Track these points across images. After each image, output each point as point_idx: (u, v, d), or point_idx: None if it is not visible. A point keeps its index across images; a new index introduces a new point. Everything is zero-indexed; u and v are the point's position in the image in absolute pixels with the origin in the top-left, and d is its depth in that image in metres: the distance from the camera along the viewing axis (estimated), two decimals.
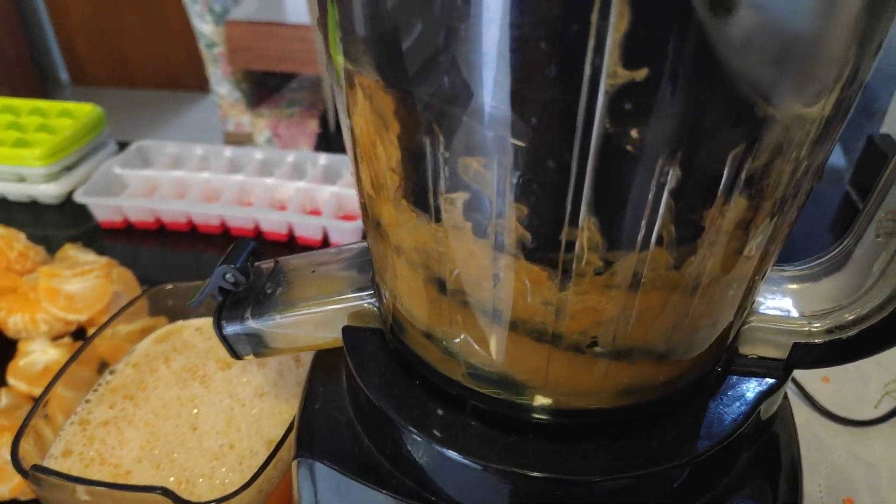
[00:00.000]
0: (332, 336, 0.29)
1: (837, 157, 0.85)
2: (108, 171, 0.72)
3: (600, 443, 0.24)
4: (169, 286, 0.44)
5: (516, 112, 0.16)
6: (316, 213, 0.69)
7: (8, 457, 0.34)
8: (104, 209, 0.69)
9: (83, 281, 0.52)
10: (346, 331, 0.29)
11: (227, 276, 0.30)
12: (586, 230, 0.18)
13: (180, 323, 0.44)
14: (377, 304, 0.28)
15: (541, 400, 0.23)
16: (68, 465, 0.35)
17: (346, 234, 0.66)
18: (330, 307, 0.29)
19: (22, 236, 0.58)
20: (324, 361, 0.31)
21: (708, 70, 0.15)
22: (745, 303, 0.23)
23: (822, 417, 0.48)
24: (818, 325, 0.25)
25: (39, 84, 2.77)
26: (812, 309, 0.25)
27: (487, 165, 0.17)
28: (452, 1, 0.15)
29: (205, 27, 1.61)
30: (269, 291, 0.30)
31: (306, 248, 0.67)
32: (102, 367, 0.42)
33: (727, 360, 0.26)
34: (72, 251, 0.58)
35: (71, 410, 0.38)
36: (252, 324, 0.30)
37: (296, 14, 1.62)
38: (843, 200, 0.77)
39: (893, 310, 0.23)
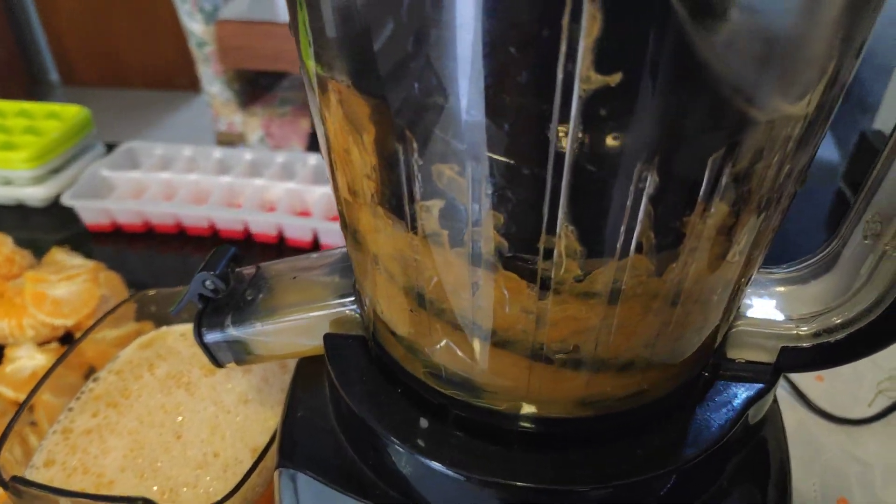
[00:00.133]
0: (314, 343, 0.29)
1: (831, 153, 0.85)
2: (96, 174, 0.71)
3: (585, 451, 0.23)
4: (152, 292, 0.43)
5: (489, 118, 0.15)
6: (306, 214, 0.69)
7: None
8: (92, 212, 0.68)
9: (70, 285, 0.51)
10: (328, 338, 0.28)
11: (207, 282, 0.29)
12: (564, 238, 0.17)
13: (164, 329, 0.44)
14: (359, 311, 0.28)
15: (524, 408, 0.23)
16: (50, 474, 0.35)
17: (337, 235, 0.65)
18: (312, 314, 0.28)
19: (9, 240, 0.57)
20: (307, 369, 0.31)
21: (684, 73, 0.14)
22: (731, 307, 0.23)
23: (816, 416, 0.48)
24: (806, 328, 0.25)
25: (29, 84, 2.75)
26: (800, 312, 0.25)
27: (461, 173, 0.17)
28: (422, 6, 0.15)
29: (195, 26, 1.60)
30: (249, 298, 0.29)
31: (296, 250, 0.67)
32: (90, 372, 0.41)
33: (714, 364, 0.26)
34: (59, 255, 0.58)
35: (57, 417, 0.38)
36: (233, 331, 0.29)
37: (286, 13, 1.60)
38: (836, 197, 0.76)
39: (881, 313, 0.23)
